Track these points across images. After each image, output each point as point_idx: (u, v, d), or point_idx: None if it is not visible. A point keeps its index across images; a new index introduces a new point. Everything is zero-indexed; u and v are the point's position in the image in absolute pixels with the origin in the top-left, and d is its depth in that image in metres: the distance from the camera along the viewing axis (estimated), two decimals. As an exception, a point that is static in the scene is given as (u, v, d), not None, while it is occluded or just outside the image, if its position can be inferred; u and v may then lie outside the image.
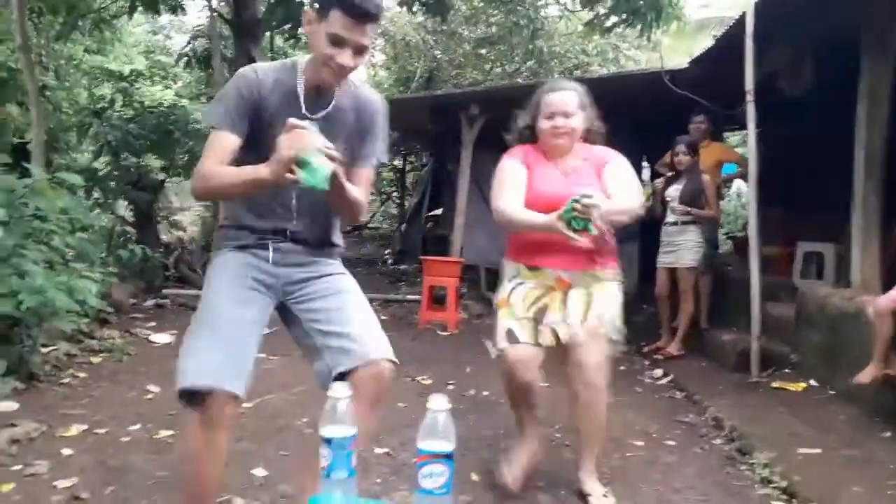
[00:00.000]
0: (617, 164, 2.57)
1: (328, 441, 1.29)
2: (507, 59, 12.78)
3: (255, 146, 1.79)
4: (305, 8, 1.60)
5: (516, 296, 2.58)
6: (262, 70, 1.88)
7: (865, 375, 3.29)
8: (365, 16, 1.71)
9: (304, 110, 1.85)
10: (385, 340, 1.89)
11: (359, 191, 1.88)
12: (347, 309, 1.92)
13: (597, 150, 2.62)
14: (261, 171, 1.67)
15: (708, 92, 5.48)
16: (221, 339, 1.77)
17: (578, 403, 2.50)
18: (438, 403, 1.24)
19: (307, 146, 1.63)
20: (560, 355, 2.54)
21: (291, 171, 1.62)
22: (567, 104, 2.53)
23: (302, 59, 1.91)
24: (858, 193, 4.11)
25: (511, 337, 2.51)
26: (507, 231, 2.69)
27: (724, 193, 6.88)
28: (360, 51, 1.76)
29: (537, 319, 2.54)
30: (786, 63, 4.95)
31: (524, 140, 2.72)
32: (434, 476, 1.23)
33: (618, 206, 2.39)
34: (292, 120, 1.66)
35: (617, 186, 2.48)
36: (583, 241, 2.22)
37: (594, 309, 2.50)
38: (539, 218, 2.37)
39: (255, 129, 1.83)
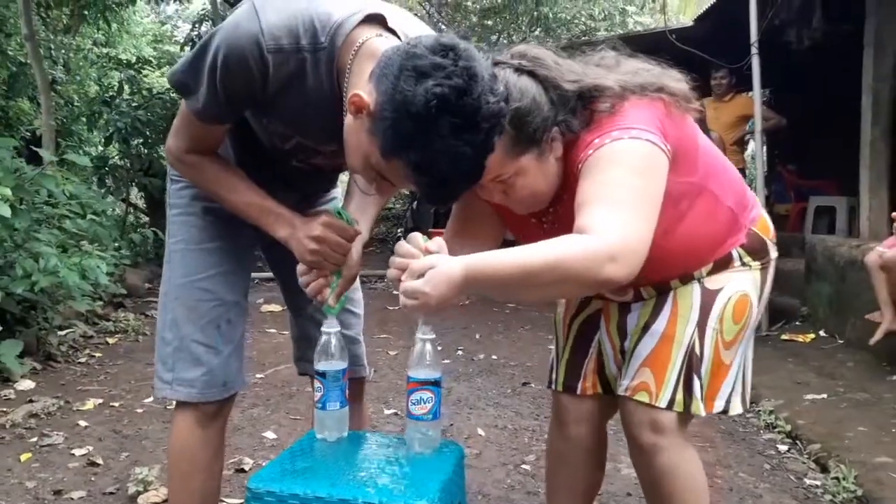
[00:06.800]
0: (585, 172, 1.26)
1: (322, 374, 1.32)
2: (513, 28, 12.68)
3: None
4: (358, 93, 1.12)
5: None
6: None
7: (880, 332, 3.27)
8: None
9: None
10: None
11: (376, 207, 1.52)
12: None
13: (574, 152, 1.31)
14: (279, 230, 1.35)
15: (713, 51, 5.41)
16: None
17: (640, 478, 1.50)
18: (425, 332, 1.26)
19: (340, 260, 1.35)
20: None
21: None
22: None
23: None
24: (866, 140, 4.09)
25: (551, 374, 1.67)
26: None
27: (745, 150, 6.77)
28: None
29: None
30: (794, 12, 4.88)
31: None
32: (423, 402, 1.26)
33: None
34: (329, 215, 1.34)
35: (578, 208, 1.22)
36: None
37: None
38: None
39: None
